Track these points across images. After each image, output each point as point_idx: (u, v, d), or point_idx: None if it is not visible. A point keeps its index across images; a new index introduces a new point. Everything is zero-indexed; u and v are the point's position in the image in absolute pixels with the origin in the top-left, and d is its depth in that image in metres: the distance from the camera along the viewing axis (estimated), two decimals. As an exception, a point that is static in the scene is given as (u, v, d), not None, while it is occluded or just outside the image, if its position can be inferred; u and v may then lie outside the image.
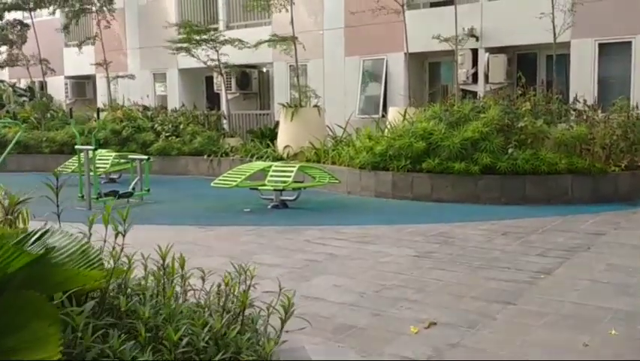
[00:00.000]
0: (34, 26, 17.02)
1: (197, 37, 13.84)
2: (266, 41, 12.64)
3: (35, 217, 3.18)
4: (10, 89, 18.63)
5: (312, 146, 11.46)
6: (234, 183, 8.59)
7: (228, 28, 15.32)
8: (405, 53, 12.14)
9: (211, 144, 13.43)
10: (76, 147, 9.47)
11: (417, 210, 8.73)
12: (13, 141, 11.07)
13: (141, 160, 9.94)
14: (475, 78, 12.25)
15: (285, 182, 8.52)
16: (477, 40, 12.11)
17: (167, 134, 13.95)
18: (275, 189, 8.61)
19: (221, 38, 13.92)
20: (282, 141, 12.31)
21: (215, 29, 15.29)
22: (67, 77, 19.31)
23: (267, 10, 12.88)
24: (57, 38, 18.56)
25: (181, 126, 14.00)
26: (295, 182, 9.21)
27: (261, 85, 16.15)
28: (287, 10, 12.01)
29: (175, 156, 13.67)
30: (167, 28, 14.13)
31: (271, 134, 13.39)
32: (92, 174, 9.17)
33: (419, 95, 12.72)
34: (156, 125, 14.21)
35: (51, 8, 17.04)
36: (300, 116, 12.17)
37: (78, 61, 17.94)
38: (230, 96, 15.07)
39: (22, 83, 18.97)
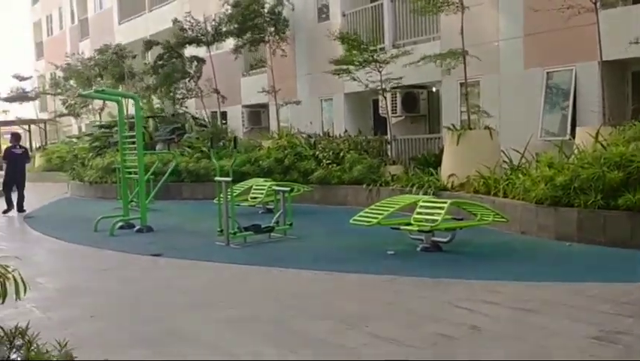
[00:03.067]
0: (212, 58, 17.59)
1: (360, 59, 12.96)
2: (430, 57, 11.29)
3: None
4: (192, 119, 19.49)
5: (479, 175, 9.82)
6: (375, 221, 7.37)
7: (394, 46, 14.23)
8: (599, 62, 9.93)
9: (371, 172, 12.38)
10: (215, 178, 9.00)
11: (609, 260, 6.70)
12: (168, 171, 11.20)
13: (284, 192, 9.19)
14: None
15: (434, 221, 7.08)
16: (699, 39, 9.50)
17: (328, 162, 13.20)
18: (420, 230, 7.21)
19: (385, 57, 12.90)
20: (446, 168, 10.81)
21: (382, 49, 14.32)
22: (244, 107, 19.75)
23: (437, 12, 11.54)
24: (235, 69, 19.05)
25: (342, 154, 13.17)
26: (454, 218, 7.74)
27: (430, 106, 14.75)
28: (459, 11, 10.59)
29: (335, 185, 12.86)
30: (331, 39, 13.43)
31: (436, 161, 11.94)
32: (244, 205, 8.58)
33: (618, 111, 10.35)
34: (317, 153, 13.57)
35: (230, 42, 17.52)
36: (469, 139, 10.57)
37: (254, 90, 18.17)
38: (395, 120, 13.91)
39: (206, 114, 19.74)
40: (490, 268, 6.60)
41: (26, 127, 37.82)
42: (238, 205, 11.58)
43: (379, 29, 14.90)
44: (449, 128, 11.04)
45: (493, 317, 4.80)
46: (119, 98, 10.86)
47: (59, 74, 29.07)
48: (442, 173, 10.87)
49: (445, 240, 7.44)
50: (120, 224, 10.44)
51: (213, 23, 17.07)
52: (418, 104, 14.40)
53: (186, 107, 21.49)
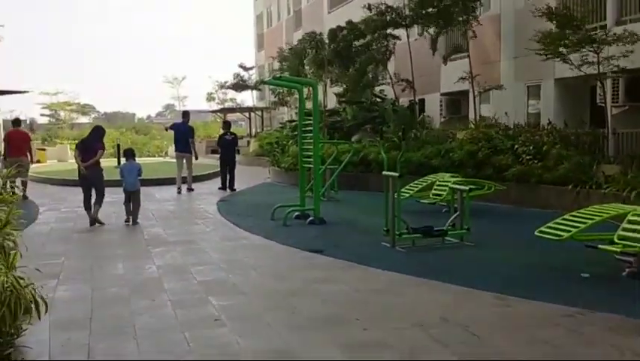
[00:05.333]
0: (410, 45, 16.73)
1: (573, 38, 11.09)
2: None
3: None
4: (391, 107, 18.82)
5: None
6: (567, 235, 5.94)
7: (618, 23, 11.96)
8: None
9: (580, 172, 10.52)
10: (383, 173, 8.17)
11: None
12: (344, 162, 10.64)
13: (462, 191, 8.04)
14: None
15: (647, 241, 5.46)
16: None
17: (528, 157, 11.58)
18: (623, 251, 5.62)
19: (605, 36, 10.85)
20: (678, 171, 8.67)
21: (602, 27, 12.17)
22: (442, 95, 18.56)
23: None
24: (434, 55, 17.95)
25: (545, 148, 11.44)
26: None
27: (664, 94, 12.17)
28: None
29: (534, 184, 11.21)
30: (536, 16, 11.67)
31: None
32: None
33: None
34: (516, 147, 11.99)
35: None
36: None
37: (453, 77, 16.93)
38: (615, 110, 11.71)
39: (398, 102, 18.96)
40: None
41: (247, 114, 40.90)
42: (418, 202, 10.70)
43: (600, 3, 12.68)
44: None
45: None
46: (298, 85, 10.59)
47: (276, 64, 30.61)
48: (672, 176, 8.75)
49: (662, 265, 5.75)
50: (296, 214, 10.21)
51: (411, 5, 16.13)
52: (649, 91, 11.98)
53: (385, 96, 20.96)
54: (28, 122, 60.49)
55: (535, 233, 6.34)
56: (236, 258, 7.32)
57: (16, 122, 14.77)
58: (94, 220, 9.98)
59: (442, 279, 6.00)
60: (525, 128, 13.21)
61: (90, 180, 10.02)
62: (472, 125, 14.64)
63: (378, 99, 20.57)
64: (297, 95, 26.50)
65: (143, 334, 4.49)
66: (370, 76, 17.97)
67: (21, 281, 2.65)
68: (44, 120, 60.48)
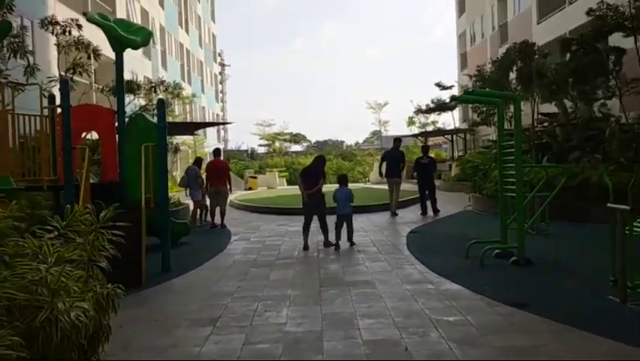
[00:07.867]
0: (638, 49, 14.06)
1: None
2: None
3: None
4: (616, 125, 16.02)
5: None
6: None
7: None
8: None
9: None
10: (608, 205, 6.27)
11: None
12: (556, 189, 8.74)
13: None
14: None
15: None
16: None
17: None
18: None
19: None
20: None
21: None
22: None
23: None
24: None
25: None
26: None
27: None
28: None
29: None
30: None
31: None
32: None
33: None
34: None
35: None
36: None
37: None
38: None
39: (626, 117, 16.03)
40: None
41: (449, 137, 39.28)
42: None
43: None
44: None
45: None
46: (496, 100, 9.04)
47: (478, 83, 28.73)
48: None
49: None
50: (496, 252, 8.67)
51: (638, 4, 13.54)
52: None
53: (608, 109, 18.07)
54: (249, 151, 65.68)
55: None
56: (416, 309, 6.07)
57: (217, 152, 15.20)
58: (327, 243, 10.41)
59: None
60: None
61: (312, 207, 10.40)
62: None
63: (600, 114, 17.78)
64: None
65: (275, 421, 3.52)
66: (602, 90, 15.55)
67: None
68: (262, 150, 64.90)
